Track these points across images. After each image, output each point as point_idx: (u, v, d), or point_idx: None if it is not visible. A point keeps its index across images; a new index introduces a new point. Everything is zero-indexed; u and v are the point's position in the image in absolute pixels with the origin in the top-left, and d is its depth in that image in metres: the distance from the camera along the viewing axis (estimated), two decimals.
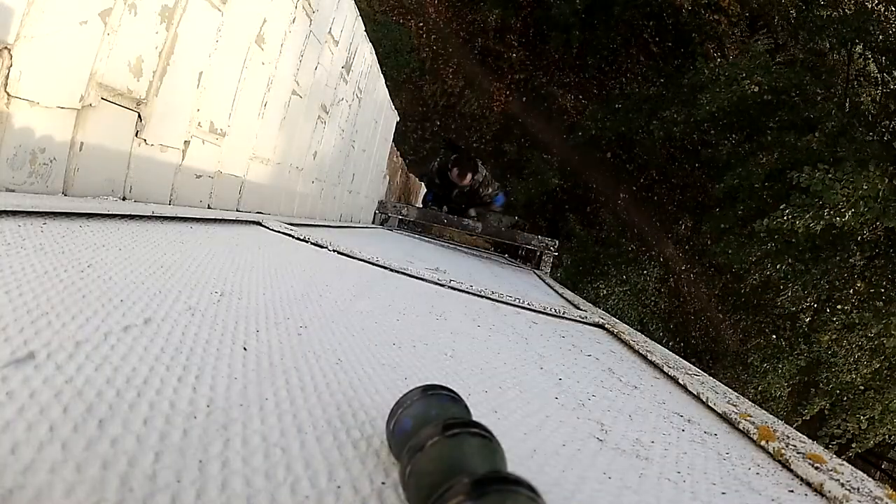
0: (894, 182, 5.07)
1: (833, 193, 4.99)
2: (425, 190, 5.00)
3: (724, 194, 6.66)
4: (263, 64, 1.53)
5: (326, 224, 2.19)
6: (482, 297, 1.09)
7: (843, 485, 0.40)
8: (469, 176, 4.36)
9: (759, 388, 6.61)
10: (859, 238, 5.80)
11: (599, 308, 1.58)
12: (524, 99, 8.75)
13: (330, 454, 0.29)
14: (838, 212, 5.07)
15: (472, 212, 4.57)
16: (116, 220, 0.78)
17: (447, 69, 8.47)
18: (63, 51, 0.81)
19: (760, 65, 6.33)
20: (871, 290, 5.90)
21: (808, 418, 6.70)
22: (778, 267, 6.05)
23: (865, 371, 6.11)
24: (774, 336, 7.00)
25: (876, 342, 5.90)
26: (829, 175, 5.06)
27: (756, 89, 6.23)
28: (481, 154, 7.97)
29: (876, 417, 6.22)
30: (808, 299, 6.37)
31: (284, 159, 1.92)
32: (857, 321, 5.93)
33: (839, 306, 6.09)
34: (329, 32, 2.01)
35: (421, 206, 4.96)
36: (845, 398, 6.35)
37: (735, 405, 0.60)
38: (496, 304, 1.06)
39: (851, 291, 6.08)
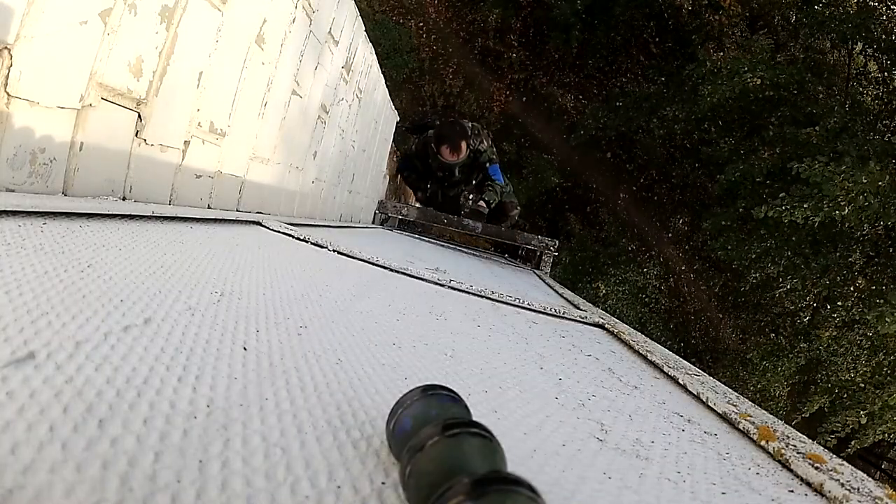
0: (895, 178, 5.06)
1: (833, 186, 4.97)
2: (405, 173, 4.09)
3: (725, 190, 6.65)
4: (263, 64, 1.53)
5: (326, 224, 2.19)
6: (482, 297, 1.09)
7: (843, 485, 0.40)
8: (463, 145, 3.51)
9: (759, 387, 6.62)
10: (859, 235, 5.80)
11: (599, 307, 1.58)
12: (524, 99, 8.75)
13: (330, 454, 0.29)
14: (838, 205, 5.04)
15: (470, 198, 3.70)
16: (116, 220, 0.78)
17: (447, 69, 8.47)
18: (63, 51, 0.81)
19: (762, 60, 6.33)
20: (873, 288, 5.90)
21: (807, 416, 6.70)
22: (777, 261, 6.05)
23: (865, 368, 6.11)
24: (774, 334, 7.01)
25: (876, 339, 5.89)
26: (829, 167, 5.04)
27: (759, 82, 6.22)
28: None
29: (875, 413, 6.22)
30: (808, 297, 6.37)
31: (284, 159, 1.92)
32: (857, 318, 5.93)
33: (839, 303, 6.09)
34: (329, 32, 2.01)
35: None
36: (845, 395, 6.35)
37: (735, 405, 0.60)
38: (496, 304, 1.06)
39: (852, 289, 6.08)
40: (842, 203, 5.01)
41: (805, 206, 5.12)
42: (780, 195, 5.35)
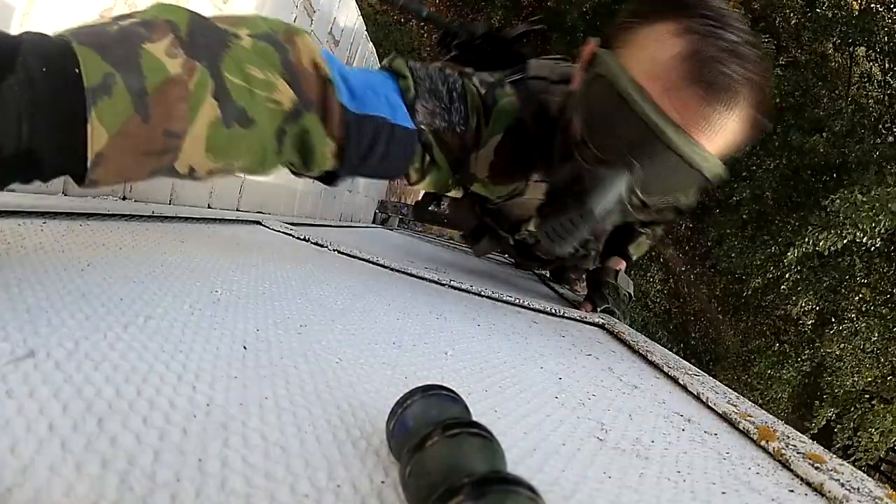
0: None
1: (854, 209, 4.99)
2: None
3: (727, 195, 6.64)
4: None
5: (326, 224, 2.19)
6: (482, 296, 1.09)
7: (843, 485, 0.40)
8: None
9: (760, 391, 6.60)
10: (863, 238, 5.79)
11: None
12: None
13: (329, 453, 0.29)
14: (853, 224, 5.06)
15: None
16: (116, 219, 0.78)
17: None
18: None
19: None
20: (877, 296, 5.89)
21: (814, 430, 6.65)
22: (780, 265, 6.03)
23: (869, 377, 6.10)
24: (776, 340, 7.00)
25: (881, 348, 5.88)
26: (846, 192, 5.06)
27: None
28: None
29: (886, 427, 6.19)
30: (811, 301, 6.36)
31: None
32: (862, 326, 5.92)
33: (844, 309, 6.08)
34: (330, 33, 2.01)
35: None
36: (852, 408, 6.32)
37: (735, 405, 0.60)
38: (496, 303, 1.06)
39: (856, 295, 6.07)
40: (846, 222, 5.03)
41: (827, 234, 5.13)
42: (802, 229, 5.37)
